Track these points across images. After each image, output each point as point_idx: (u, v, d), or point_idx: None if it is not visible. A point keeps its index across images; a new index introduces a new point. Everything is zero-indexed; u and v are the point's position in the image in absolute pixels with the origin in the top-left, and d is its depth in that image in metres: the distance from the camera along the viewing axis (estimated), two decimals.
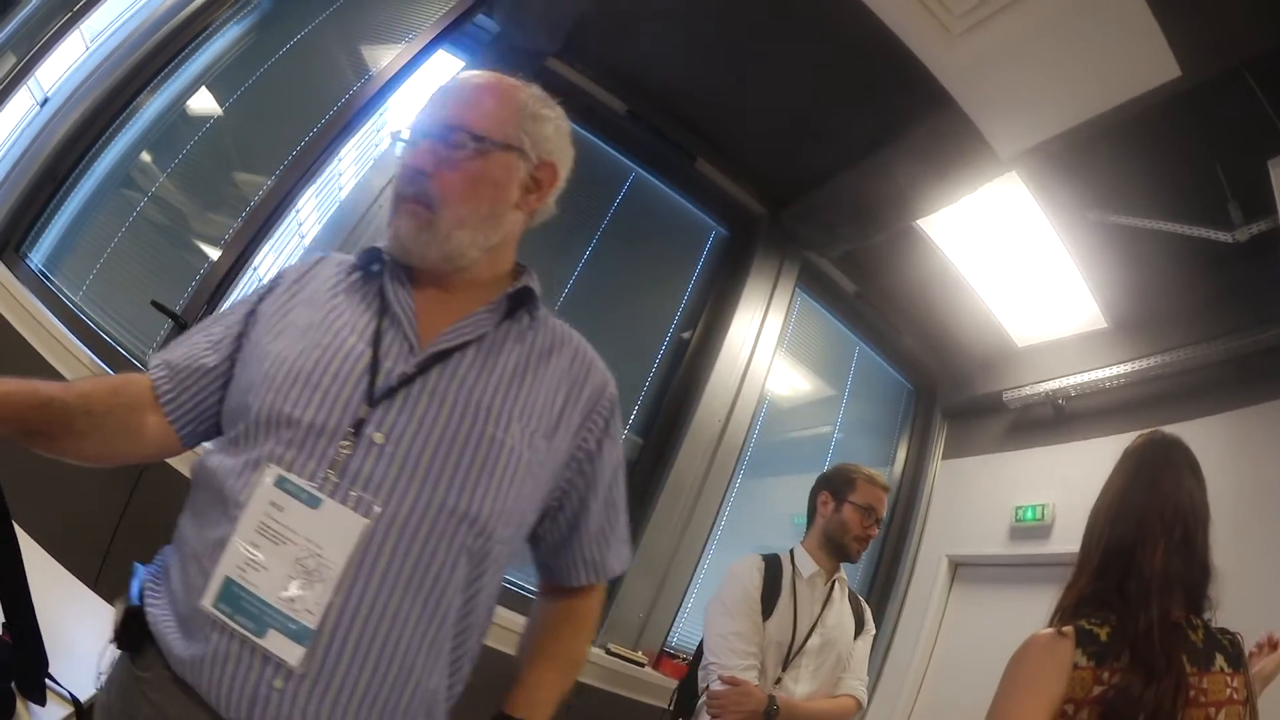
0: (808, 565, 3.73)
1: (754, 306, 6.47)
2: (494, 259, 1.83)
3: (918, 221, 5.94)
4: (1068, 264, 5.79)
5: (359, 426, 1.55)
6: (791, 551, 3.82)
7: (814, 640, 3.64)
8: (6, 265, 4.04)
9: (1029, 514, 6.01)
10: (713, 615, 3.68)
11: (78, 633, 2.20)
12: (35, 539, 2.36)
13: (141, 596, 1.58)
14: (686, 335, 6.37)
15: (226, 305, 4.61)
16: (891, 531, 7.01)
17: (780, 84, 5.48)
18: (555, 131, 1.90)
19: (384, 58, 5.38)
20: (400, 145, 1.82)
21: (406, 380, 1.61)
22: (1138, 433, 2.40)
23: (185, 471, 3.77)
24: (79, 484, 3.61)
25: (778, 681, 3.54)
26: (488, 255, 1.80)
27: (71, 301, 4.22)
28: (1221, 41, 4.02)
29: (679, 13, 5.33)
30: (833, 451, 7.00)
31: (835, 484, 3.83)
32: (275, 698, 1.43)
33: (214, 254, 4.69)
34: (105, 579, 3.28)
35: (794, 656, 3.59)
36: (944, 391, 7.57)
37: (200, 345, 1.76)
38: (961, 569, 6.70)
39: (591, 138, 5.86)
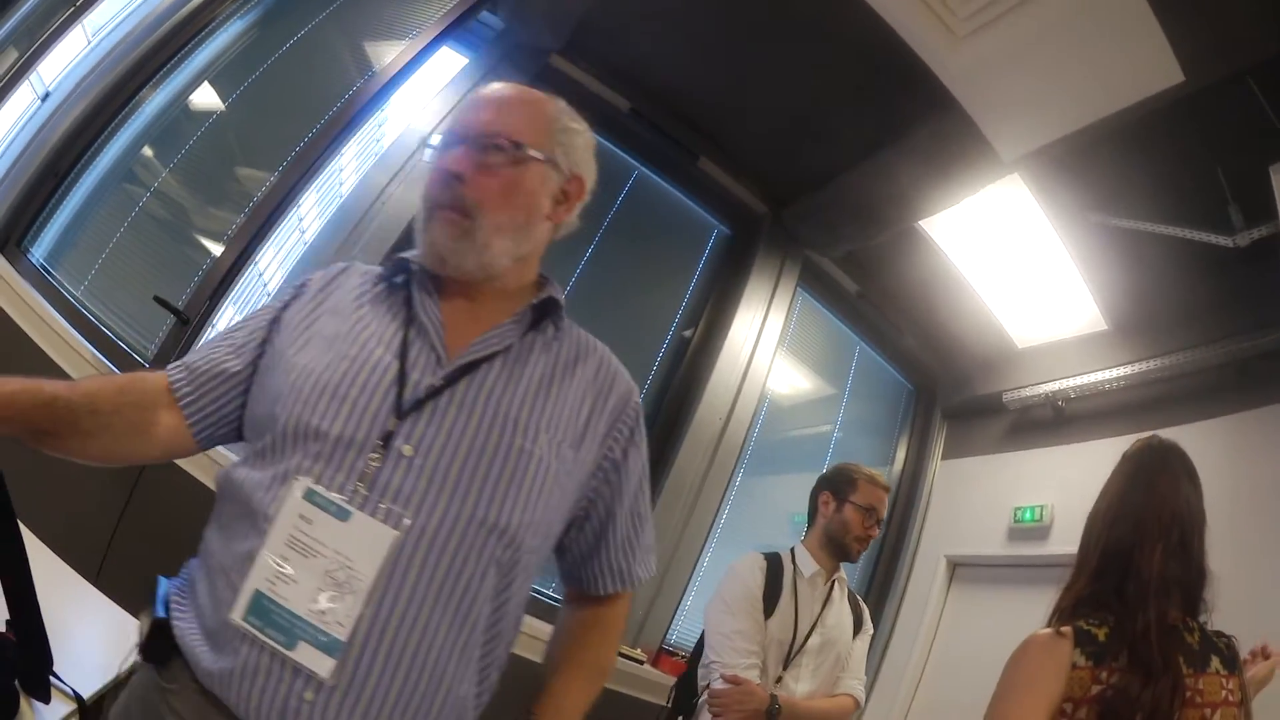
0: (808, 564, 3.73)
1: (755, 305, 6.49)
2: (521, 269, 1.83)
3: (919, 222, 5.95)
4: (1069, 266, 5.80)
5: (387, 439, 1.55)
6: (792, 550, 3.82)
7: (814, 639, 3.64)
8: (8, 260, 4.03)
9: (1028, 515, 6.02)
10: (715, 613, 3.67)
11: (80, 630, 2.21)
12: (37, 535, 2.36)
13: (167, 609, 1.58)
14: (688, 333, 6.39)
15: (244, 311, 4.64)
16: (890, 531, 7.02)
17: (783, 83, 5.48)
18: (584, 146, 1.90)
19: (387, 54, 5.37)
20: (431, 152, 1.82)
21: (434, 392, 1.61)
22: (1137, 435, 2.42)
23: (189, 469, 3.81)
24: (80, 481, 3.60)
25: (779, 680, 3.55)
26: (515, 265, 1.79)
27: (73, 297, 4.21)
28: (1225, 47, 4.03)
29: (682, 11, 5.34)
30: (832, 450, 7.02)
31: (837, 484, 3.83)
32: (306, 709, 1.43)
33: (217, 250, 4.68)
34: (106, 576, 3.29)
35: (795, 655, 3.59)
36: (944, 392, 7.58)
37: (222, 350, 1.76)
38: (960, 569, 6.71)
39: (594, 135, 5.83)
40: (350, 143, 5.17)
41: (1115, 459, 2.40)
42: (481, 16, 5.64)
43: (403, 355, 1.66)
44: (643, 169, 6.21)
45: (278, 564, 1.48)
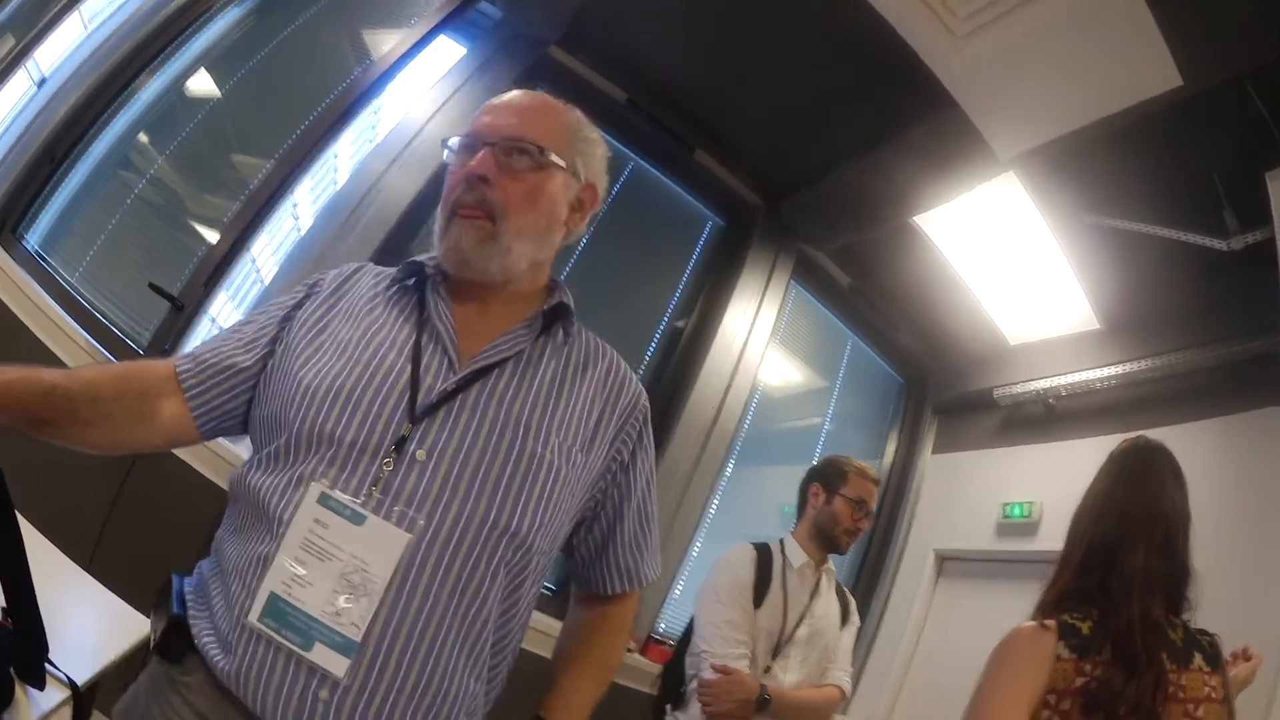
0: (798, 556, 3.73)
1: (749, 297, 6.51)
2: (535, 273, 1.84)
3: (914, 218, 5.96)
4: (1063, 265, 5.82)
5: (401, 443, 1.56)
6: (781, 541, 3.82)
7: (802, 630, 3.63)
8: (3, 247, 4.04)
9: (1016, 511, 6.04)
10: (705, 603, 3.66)
11: (74, 617, 2.21)
12: (30, 522, 2.37)
13: (184, 606, 1.59)
14: (681, 324, 6.40)
15: (238, 299, 4.66)
16: (880, 524, 7.02)
17: (781, 78, 5.50)
18: (601, 156, 1.92)
19: (385, 43, 5.39)
20: (448, 154, 1.83)
21: (447, 397, 1.62)
22: (1127, 435, 2.43)
23: (182, 456, 3.81)
24: (72, 468, 3.61)
25: (767, 670, 3.54)
26: (531, 269, 1.81)
27: (68, 283, 4.22)
28: (1223, 52, 4.04)
29: (682, 6, 5.36)
30: (823, 443, 7.04)
31: (827, 476, 3.83)
32: (321, 708, 1.44)
33: (212, 237, 4.69)
34: (99, 563, 3.30)
35: (783, 646, 3.58)
36: (935, 387, 7.60)
37: (231, 343, 1.76)
38: (948, 563, 6.73)
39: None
40: (346, 131, 5.18)
41: (1104, 458, 2.41)
42: (480, 6, 5.67)
43: (415, 359, 1.66)
44: (639, 160, 6.21)
45: (294, 567, 1.49)
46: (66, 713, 1.71)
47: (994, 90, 4.67)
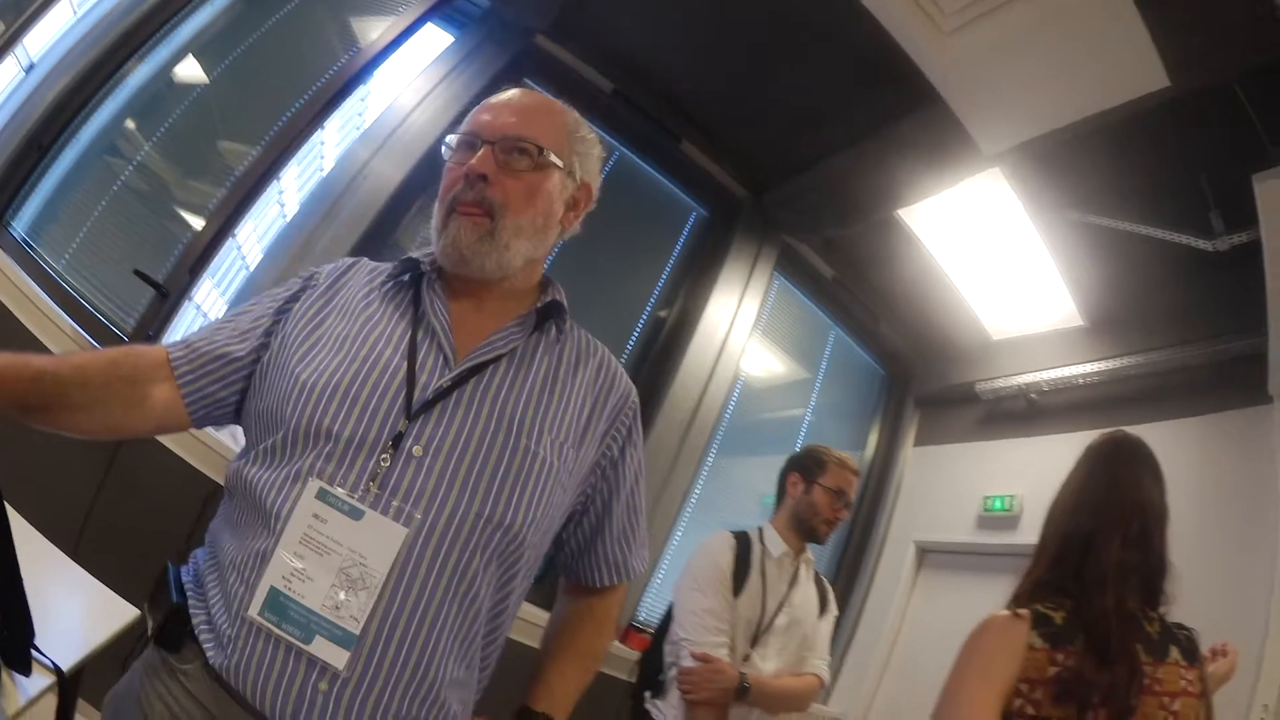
0: (776, 545, 3.71)
1: (731, 288, 6.53)
2: (529, 271, 1.86)
3: (898, 212, 5.97)
4: (1046, 261, 5.84)
5: (398, 439, 1.58)
6: (760, 530, 3.80)
7: (781, 619, 3.62)
8: None
9: (997, 504, 6.08)
10: (684, 591, 3.64)
11: (60, 604, 2.23)
12: (15, 509, 2.37)
13: (182, 595, 1.61)
14: (664, 314, 6.42)
15: (223, 285, 4.66)
16: (860, 515, 7.08)
17: (768, 71, 5.50)
18: (596, 157, 1.96)
19: (373, 30, 5.37)
20: (447, 151, 1.84)
21: (443, 393, 1.65)
22: (1108, 430, 2.43)
23: (166, 443, 3.82)
24: (57, 457, 3.63)
25: (746, 659, 3.53)
26: (525, 267, 1.83)
27: (54, 270, 4.20)
28: (1212, 54, 4.04)
29: None
30: (804, 434, 7.06)
31: (806, 465, 3.81)
32: (320, 699, 1.47)
33: (197, 224, 4.68)
34: (84, 550, 3.30)
35: (762, 634, 3.57)
36: (918, 380, 7.65)
37: (225, 332, 1.77)
38: (929, 555, 6.77)
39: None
40: (333, 118, 5.18)
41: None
42: None
43: (411, 356, 1.69)
44: (624, 150, 6.21)
45: (293, 561, 1.52)
46: (52, 699, 1.72)
47: (980, 86, 4.67)
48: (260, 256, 4.94)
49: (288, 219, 5.05)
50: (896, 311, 7.35)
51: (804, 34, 5.09)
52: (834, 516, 3.73)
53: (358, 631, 1.48)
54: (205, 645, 1.51)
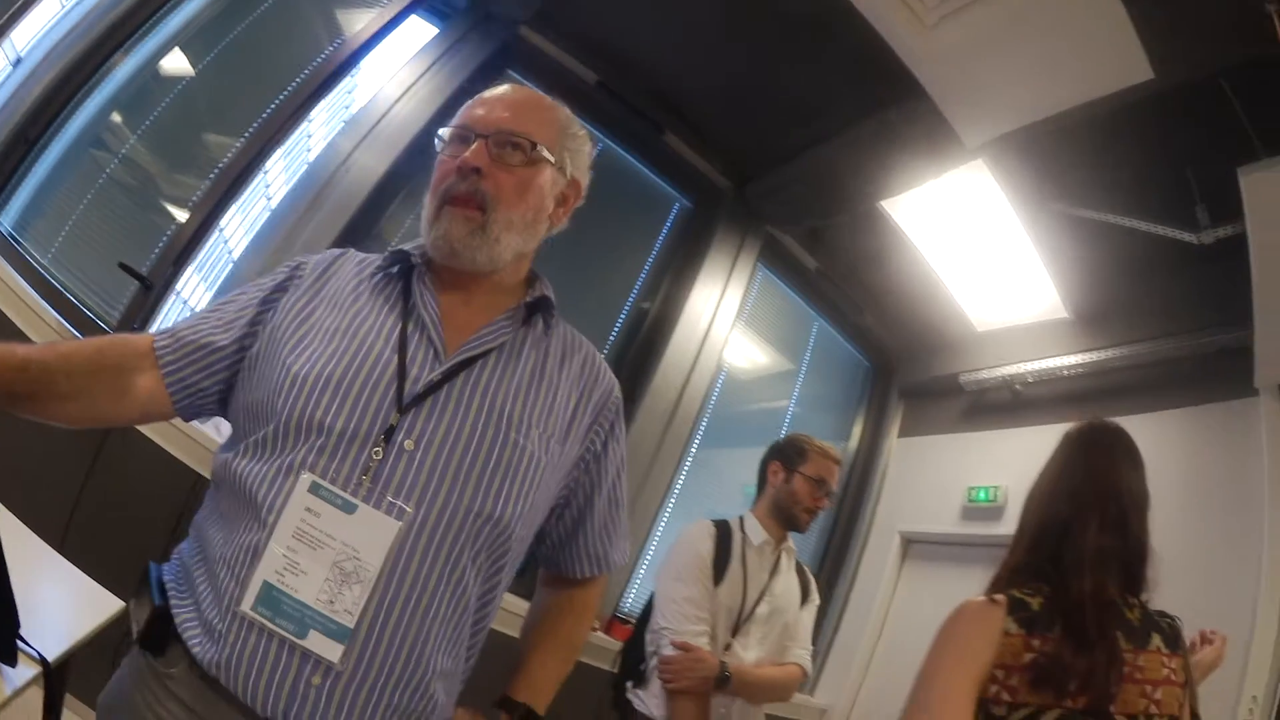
0: (757, 533, 3.71)
1: (714, 279, 6.54)
2: (518, 265, 1.87)
3: (882, 204, 5.99)
4: (1031, 253, 5.86)
5: (390, 433, 1.59)
6: (741, 519, 3.79)
7: (762, 608, 3.61)
8: None
9: (982, 495, 6.10)
10: (665, 580, 3.64)
11: (45, 595, 2.22)
12: (1, 503, 2.37)
13: (164, 595, 1.60)
14: (646, 305, 6.43)
15: (208, 276, 4.65)
16: (845, 506, 7.11)
17: (751, 62, 5.52)
18: (586, 153, 1.98)
19: (358, 22, 5.38)
20: (440, 143, 1.86)
21: (434, 387, 1.65)
22: None
23: (152, 437, 3.81)
24: (43, 448, 3.62)
25: (727, 648, 3.51)
26: (514, 261, 1.84)
27: (40, 265, 4.19)
28: (1197, 47, 4.06)
29: None
30: (789, 425, 7.07)
31: (787, 454, 3.81)
32: (313, 694, 1.47)
33: (182, 216, 4.67)
34: (70, 542, 3.31)
35: (743, 623, 3.56)
36: (902, 371, 7.67)
37: (210, 323, 1.76)
38: (913, 545, 6.80)
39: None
40: (320, 108, 5.18)
41: None
42: None
43: (402, 349, 1.69)
44: (607, 141, 6.21)
45: (287, 556, 1.52)
46: (39, 692, 1.72)
47: (962, 78, 4.68)
48: (245, 247, 4.94)
49: (273, 209, 5.03)
50: (881, 303, 7.36)
51: (788, 26, 5.10)
52: (815, 505, 3.71)
53: (352, 625, 1.49)
54: (192, 642, 1.50)
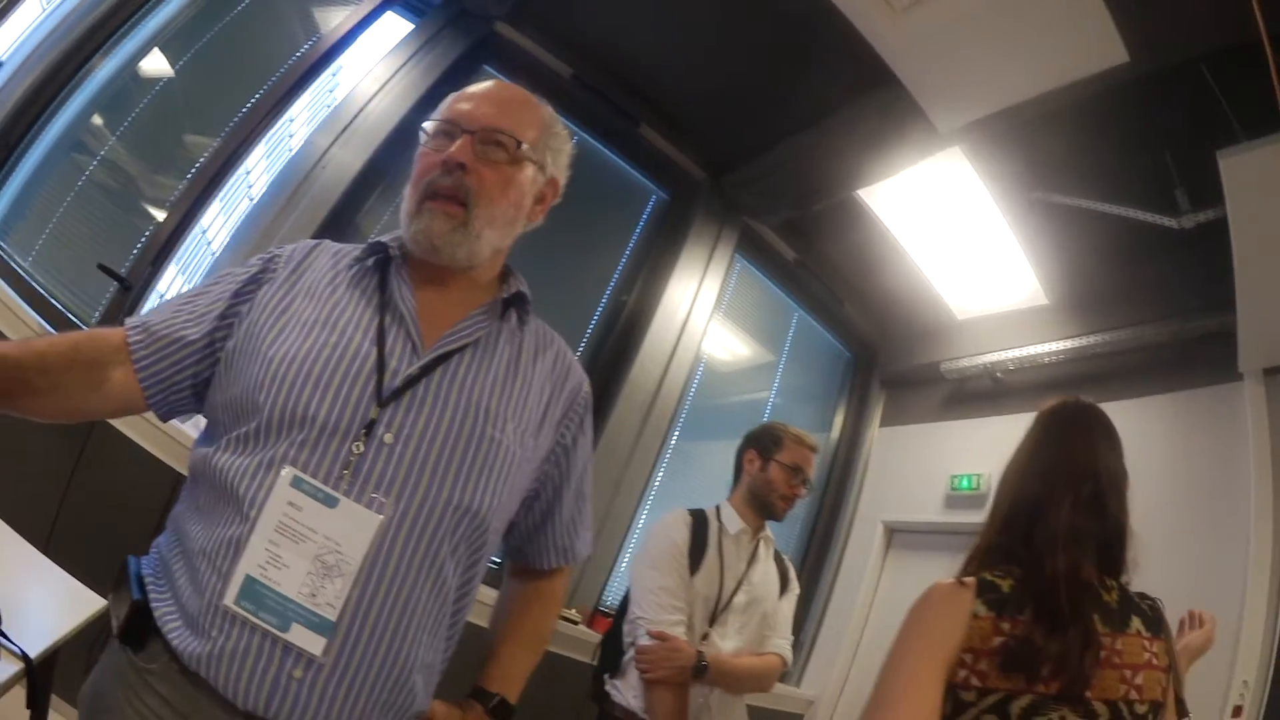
0: (734, 522, 3.69)
1: (691, 271, 6.56)
2: (494, 261, 1.89)
3: (859, 192, 6.00)
4: (1010, 241, 5.88)
5: (370, 427, 1.60)
6: (718, 508, 3.78)
7: (740, 597, 3.60)
8: None
9: (965, 483, 6.12)
10: (640, 569, 3.63)
11: (28, 594, 2.23)
12: None
13: (143, 590, 1.60)
14: (624, 298, 6.43)
15: (188, 273, 4.64)
16: (828, 496, 7.13)
17: (725, 52, 5.53)
18: (567, 153, 2.01)
19: (334, 18, 5.38)
20: (423, 137, 1.87)
21: (412, 381, 1.67)
22: None
23: (136, 439, 3.81)
24: (26, 448, 3.62)
25: (705, 637, 3.49)
26: (491, 257, 1.86)
27: (21, 268, 4.18)
28: (1172, 30, 4.08)
29: None
30: (769, 416, 7.05)
31: (762, 442, 3.79)
32: (294, 687, 1.48)
33: (161, 216, 4.67)
34: (55, 546, 3.30)
35: (720, 613, 3.54)
36: (883, 360, 7.69)
37: (183, 315, 1.76)
38: (897, 535, 6.82)
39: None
40: (300, 105, 5.21)
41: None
42: None
43: (380, 342, 1.70)
44: (583, 135, 6.19)
45: (269, 549, 1.52)
46: (21, 690, 1.72)
47: (933, 64, 4.70)
48: (227, 240, 4.95)
49: (254, 201, 5.03)
50: (860, 293, 7.41)
51: (761, 16, 5.11)
52: (791, 493, 3.69)
53: (334, 618, 1.50)
54: (172, 636, 1.51)
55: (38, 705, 1.78)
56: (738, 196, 6.67)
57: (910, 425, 7.21)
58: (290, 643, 1.48)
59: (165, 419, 1.81)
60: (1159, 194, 5.05)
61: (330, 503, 1.54)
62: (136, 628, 1.55)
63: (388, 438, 1.60)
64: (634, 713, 3.39)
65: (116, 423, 3.96)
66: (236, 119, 4.92)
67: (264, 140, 5.01)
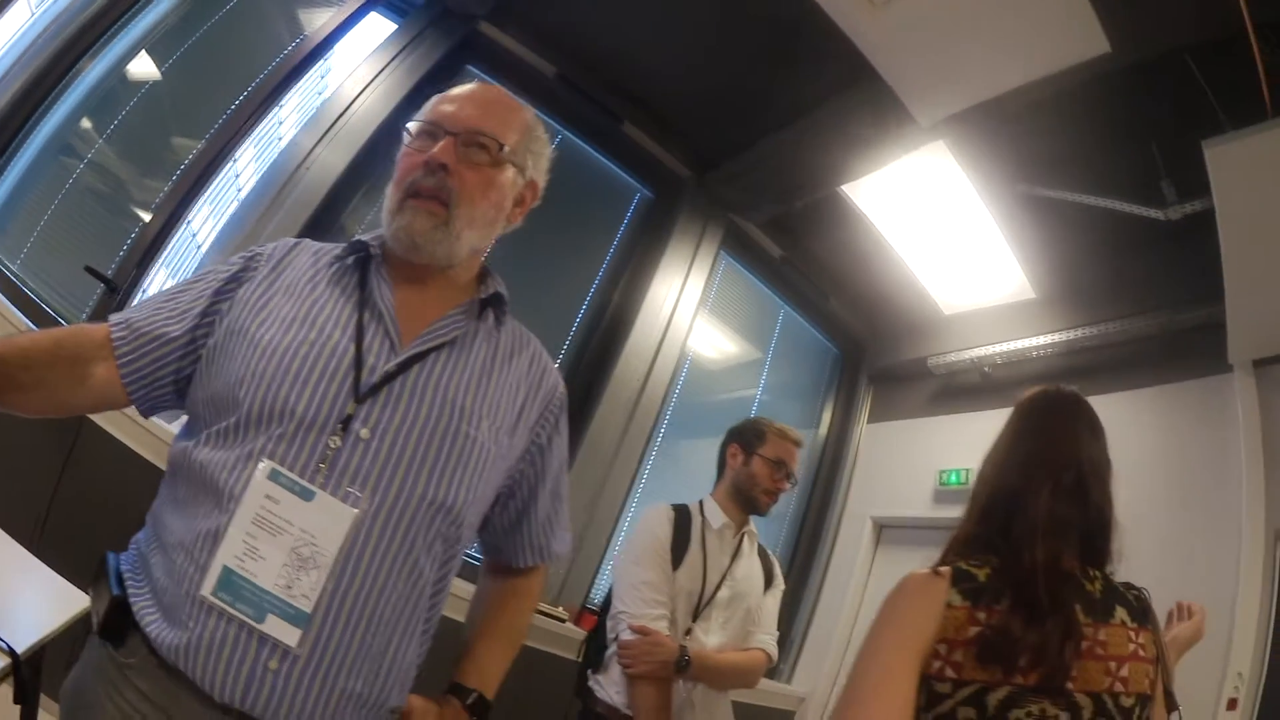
0: (717, 516, 3.68)
1: (676, 268, 6.58)
2: (472, 261, 1.93)
3: (844, 189, 6.01)
4: (996, 235, 5.89)
5: (347, 422, 1.63)
6: (701, 502, 3.77)
7: (724, 592, 3.58)
8: None
9: (953, 478, 6.14)
10: (622, 564, 3.62)
11: (18, 594, 2.24)
12: None
13: (122, 585, 1.61)
14: (609, 295, 6.45)
15: (175, 272, 4.63)
16: (816, 492, 7.16)
17: (709, 49, 5.55)
18: (547, 157, 2.04)
19: (319, 19, 5.40)
20: (406, 137, 1.89)
21: (389, 378, 1.69)
22: None
23: (125, 440, 3.80)
24: (13, 451, 3.61)
25: (688, 632, 3.48)
26: (469, 257, 1.89)
27: (11, 272, 4.19)
28: (1154, 20, 4.07)
29: None
30: (757, 413, 7.04)
31: (745, 436, 3.78)
32: (270, 678, 1.50)
33: (148, 218, 4.67)
34: (45, 544, 3.29)
35: (704, 607, 3.52)
36: (870, 356, 7.72)
37: (165, 312, 1.77)
38: (886, 530, 6.84)
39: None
40: (289, 105, 5.25)
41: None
42: None
43: (358, 339, 1.72)
44: (567, 133, 6.25)
45: (247, 541, 1.54)
46: (8, 687, 1.72)
47: (913, 57, 4.70)
48: (214, 238, 4.97)
49: (242, 199, 5.04)
50: (846, 289, 7.43)
51: (742, 13, 5.13)
52: (774, 487, 3.68)
53: (309, 610, 1.53)
54: (150, 629, 1.52)
55: (26, 702, 1.78)
56: (722, 193, 6.68)
57: (898, 421, 7.24)
58: (266, 633, 1.50)
59: (147, 415, 1.82)
60: (1145, 186, 5.06)
61: (306, 496, 1.57)
62: (116, 623, 1.57)
63: (364, 433, 1.63)
64: (617, 708, 3.38)
65: (105, 425, 3.97)
66: (221, 120, 4.92)
67: (251, 139, 5.03)
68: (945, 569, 1.87)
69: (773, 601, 3.77)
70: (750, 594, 3.66)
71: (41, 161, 4.52)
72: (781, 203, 6.47)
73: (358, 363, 1.68)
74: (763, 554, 3.82)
